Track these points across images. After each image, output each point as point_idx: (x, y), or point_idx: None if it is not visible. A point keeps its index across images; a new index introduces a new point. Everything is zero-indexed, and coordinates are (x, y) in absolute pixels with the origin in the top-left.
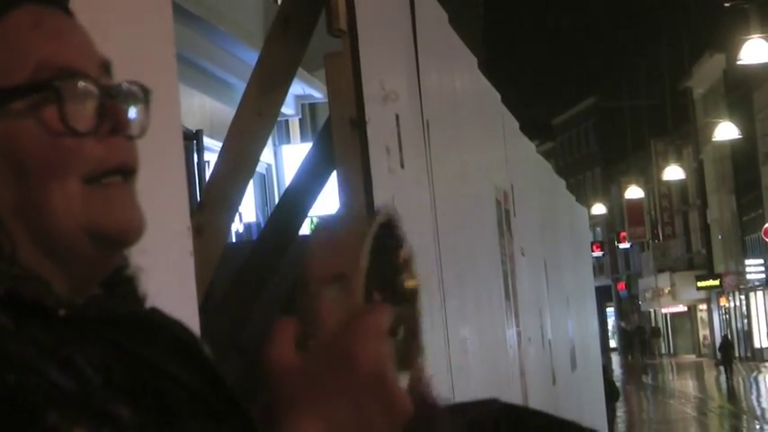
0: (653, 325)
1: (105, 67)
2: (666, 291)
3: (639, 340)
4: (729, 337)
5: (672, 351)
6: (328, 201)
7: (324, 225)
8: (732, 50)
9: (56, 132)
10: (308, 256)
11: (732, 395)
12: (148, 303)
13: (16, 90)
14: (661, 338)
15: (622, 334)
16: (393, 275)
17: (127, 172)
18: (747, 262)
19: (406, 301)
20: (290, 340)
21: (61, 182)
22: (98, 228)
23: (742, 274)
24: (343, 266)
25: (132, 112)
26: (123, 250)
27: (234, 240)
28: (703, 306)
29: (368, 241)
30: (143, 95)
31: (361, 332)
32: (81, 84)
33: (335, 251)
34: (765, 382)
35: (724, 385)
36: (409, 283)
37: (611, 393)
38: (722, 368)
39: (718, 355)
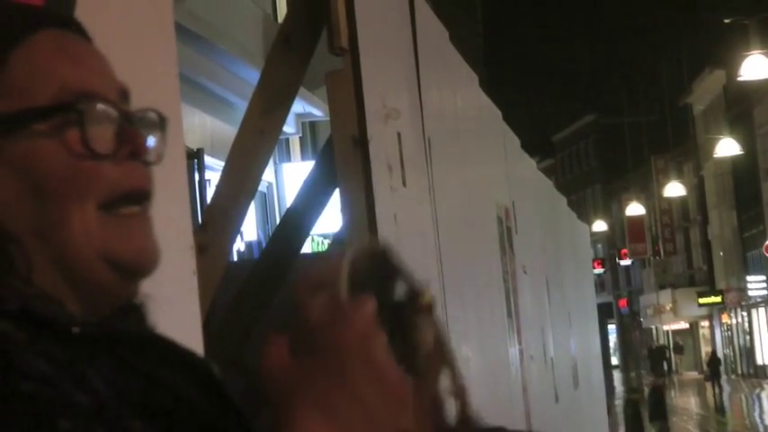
0: (676, 342)
1: (123, 93)
2: (668, 307)
3: (663, 358)
4: (732, 353)
5: (674, 368)
6: (330, 219)
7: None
8: (732, 66)
9: (77, 154)
10: (297, 283)
11: (722, 411)
12: (154, 323)
13: (40, 111)
14: (684, 355)
15: (649, 352)
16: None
17: (142, 196)
18: (749, 278)
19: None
20: (284, 349)
21: (79, 205)
22: (115, 255)
23: (743, 290)
24: (325, 276)
25: (151, 140)
26: (138, 279)
27: (235, 259)
28: (705, 323)
29: (349, 255)
30: (160, 123)
31: (346, 321)
32: (102, 107)
33: (319, 271)
34: None
35: (727, 402)
36: (422, 303)
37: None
38: (711, 383)
39: (707, 370)
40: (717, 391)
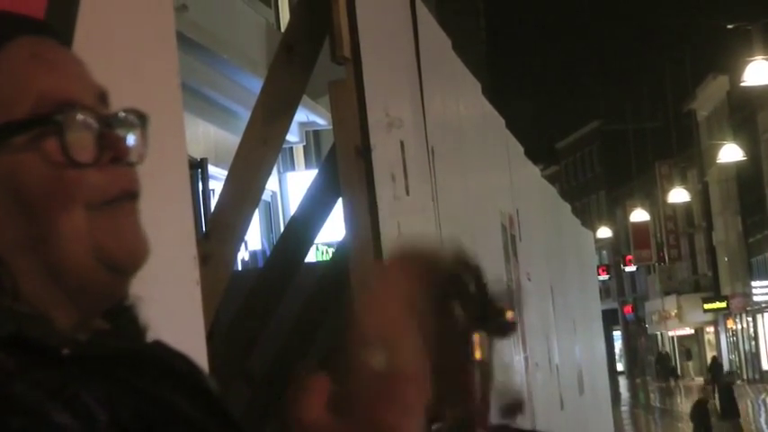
0: (685, 348)
1: (102, 96)
2: (673, 313)
3: (669, 364)
4: (737, 358)
5: (680, 374)
6: (334, 228)
7: (372, 279)
8: (736, 72)
9: (58, 164)
10: (352, 312)
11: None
12: (156, 333)
13: (18, 125)
14: (692, 361)
15: (657, 358)
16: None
17: (130, 198)
18: (754, 284)
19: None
20: (322, 400)
21: (66, 212)
22: (106, 252)
23: (749, 295)
24: (387, 331)
25: (131, 139)
26: (131, 275)
27: (240, 268)
28: (710, 328)
29: (424, 304)
30: (140, 122)
31: (394, 405)
32: (80, 115)
33: (381, 312)
34: None
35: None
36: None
37: None
38: (713, 388)
39: (708, 376)
40: (721, 396)
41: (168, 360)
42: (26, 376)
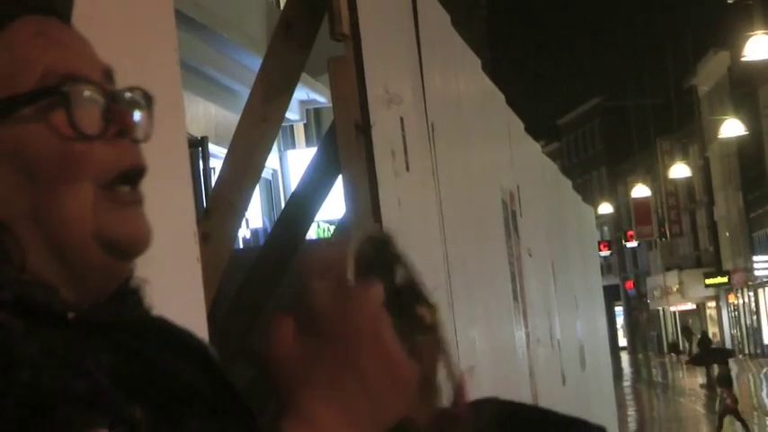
0: (684, 325)
1: (108, 74)
2: (675, 289)
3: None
4: (739, 333)
5: (682, 349)
6: (334, 205)
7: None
8: (736, 47)
9: (65, 137)
10: (302, 267)
11: (713, 390)
12: (157, 311)
13: (25, 97)
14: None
15: (683, 330)
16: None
17: (137, 174)
18: (755, 258)
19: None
20: (289, 333)
21: (73, 186)
22: (107, 235)
23: (750, 270)
24: (331, 260)
25: (137, 116)
26: (131, 260)
27: (241, 246)
28: (712, 303)
29: (354, 241)
30: (145, 102)
31: (355, 303)
32: (86, 89)
33: (325, 256)
34: None
35: (734, 382)
36: (421, 312)
37: None
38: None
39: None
40: (708, 372)
41: (172, 329)
42: (31, 337)
